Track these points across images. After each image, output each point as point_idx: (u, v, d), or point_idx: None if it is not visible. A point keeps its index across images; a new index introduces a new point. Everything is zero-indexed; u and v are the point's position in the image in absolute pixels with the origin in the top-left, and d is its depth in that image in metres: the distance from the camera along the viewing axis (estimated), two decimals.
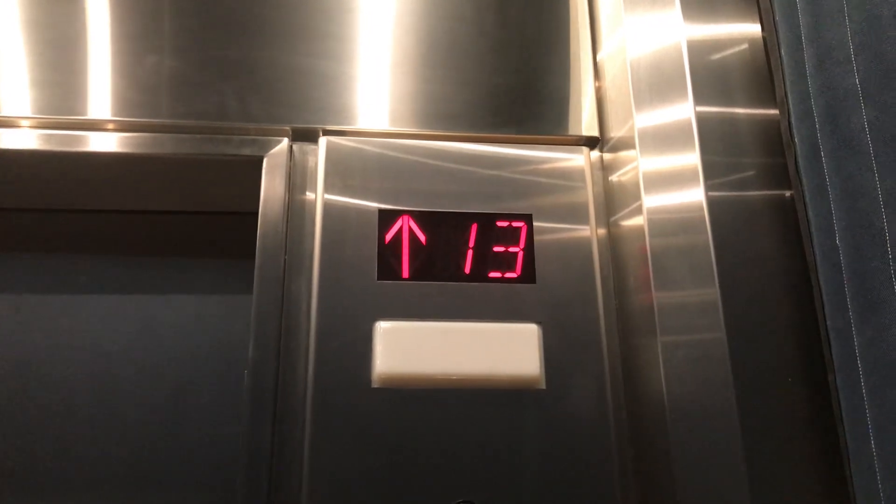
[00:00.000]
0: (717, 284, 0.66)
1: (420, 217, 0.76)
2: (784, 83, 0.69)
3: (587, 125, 0.83)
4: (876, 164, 0.54)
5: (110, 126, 0.79)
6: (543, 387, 0.72)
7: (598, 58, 0.86)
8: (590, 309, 0.75)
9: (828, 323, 0.61)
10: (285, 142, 0.79)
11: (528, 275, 0.75)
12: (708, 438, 0.63)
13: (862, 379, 0.55)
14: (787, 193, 0.70)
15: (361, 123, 0.80)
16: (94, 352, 0.87)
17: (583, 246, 0.78)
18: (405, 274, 0.74)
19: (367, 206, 0.76)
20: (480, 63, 0.84)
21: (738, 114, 0.73)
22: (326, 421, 0.69)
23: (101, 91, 0.79)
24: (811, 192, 0.63)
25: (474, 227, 0.76)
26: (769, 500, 0.60)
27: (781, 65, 0.69)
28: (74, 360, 0.87)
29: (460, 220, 0.77)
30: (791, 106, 0.67)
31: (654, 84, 0.75)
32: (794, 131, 0.66)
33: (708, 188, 0.69)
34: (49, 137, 0.78)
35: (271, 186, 0.77)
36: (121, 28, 0.82)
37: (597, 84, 0.85)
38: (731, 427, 0.62)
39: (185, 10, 0.83)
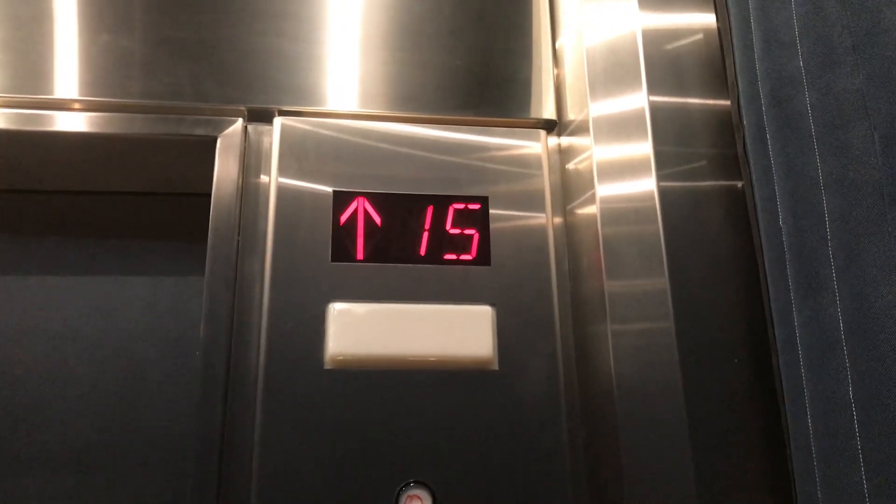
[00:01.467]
0: (666, 273, 0.67)
1: (375, 199, 0.76)
2: (734, 65, 0.70)
3: (545, 110, 0.84)
4: (817, 146, 0.55)
5: (63, 105, 0.77)
6: (496, 368, 0.72)
7: (558, 44, 0.87)
8: (544, 293, 0.76)
9: (771, 303, 0.62)
10: (240, 122, 0.78)
11: (484, 257, 0.76)
12: (655, 420, 0.64)
13: (801, 358, 0.57)
14: (739, 184, 0.71)
15: (317, 104, 0.80)
16: (46, 333, 0.86)
17: (538, 230, 0.78)
18: (360, 256, 0.74)
19: (322, 187, 0.76)
20: (439, 45, 0.84)
21: (691, 104, 0.74)
22: (278, 402, 0.68)
23: (53, 70, 0.78)
24: (757, 174, 0.64)
25: (430, 210, 0.76)
26: (713, 479, 0.61)
27: (732, 48, 0.70)
28: (26, 342, 0.86)
29: (416, 203, 0.77)
30: (740, 88, 0.68)
31: (610, 72, 0.76)
32: (743, 113, 0.67)
33: (660, 178, 0.70)
34: (3, 116, 0.76)
35: (225, 167, 0.76)
36: (75, 7, 0.80)
37: (556, 70, 0.86)
38: (676, 408, 0.63)
39: None
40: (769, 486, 0.62)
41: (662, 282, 0.67)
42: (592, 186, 0.73)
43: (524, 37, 0.87)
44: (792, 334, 0.58)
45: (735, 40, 0.69)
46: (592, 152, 0.74)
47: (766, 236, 0.62)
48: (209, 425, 0.68)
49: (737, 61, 0.68)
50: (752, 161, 0.65)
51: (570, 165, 0.81)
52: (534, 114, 0.83)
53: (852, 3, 0.54)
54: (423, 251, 0.75)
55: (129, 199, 0.91)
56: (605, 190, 0.72)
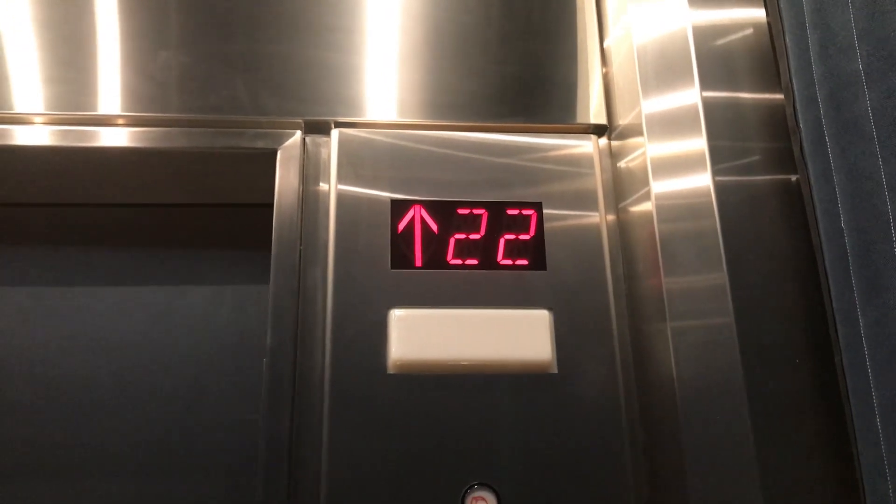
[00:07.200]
0: (724, 269, 0.66)
1: (431, 206, 0.77)
2: (789, 69, 0.69)
3: (595, 113, 0.84)
4: (879, 148, 0.55)
5: (123, 121, 0.80)
6: (555, 371, 0.73)
7: (605, 45, 0.87)
8: (600, 295, 0.76)
9: (833, 304, 0.62)
10: (298, 134, 0.80)
11: (539, 262, 0.77)
12: (717, 420, 0.64)
13: (867, 358, 0.56)
14: (793, 178, 0.70)
15: (372, 115, 0.81)
16: (111, 344, 0.89)
17: (592, 232, 0.79)
18: (418, 263, 0.75)
19: (380, 196, 0.78)
20: (487, 52, 0.85)
21: (743, 98, 0.73)
22: (344, 407, 0.70)
23: (113, 87, 0.80)
24: (816, 177, 0.63)
25: (485, 216, 0.78)
26: (778, 478, 0.61)
27: (786, 51, 0.70)
28: (91, 352, 0.89)
29: (471, 209, 0.78)
30: (796, 92, 0.67)
31: (661, 70, 0.76)
32: (799, 116, 0.67)
33: (715, 173, 0.69)
34: (63, 133, 0.79)
35: (286, 178, 0.78)
36: (132, 24, 0.83)
37: (604, 71, 0.86)
38: (739, 408, 0.63)
39: (195, 6, 0.84)
40: (836, 484, 0.62)
41: (721, 277, 0.66)
42: (647, 184, 0.73)
43: (571, 40, 0.87)
44: (857, 334, 0.57)
45: (790, 43, 0.68)
46: (646, 149, 0.74)
47: (827, 237, 0.62)
48: (278, 431, 0.70)
49: (791, 65, 0.68)
50: (810, 163, 0.64)
51: (622, 164, 0.81)
52: (583, 118, 0.84)
53: None
54: (479, 257, 0.76)
55: (190, 211, 0.94)
56: (660, 187, 0.72)
